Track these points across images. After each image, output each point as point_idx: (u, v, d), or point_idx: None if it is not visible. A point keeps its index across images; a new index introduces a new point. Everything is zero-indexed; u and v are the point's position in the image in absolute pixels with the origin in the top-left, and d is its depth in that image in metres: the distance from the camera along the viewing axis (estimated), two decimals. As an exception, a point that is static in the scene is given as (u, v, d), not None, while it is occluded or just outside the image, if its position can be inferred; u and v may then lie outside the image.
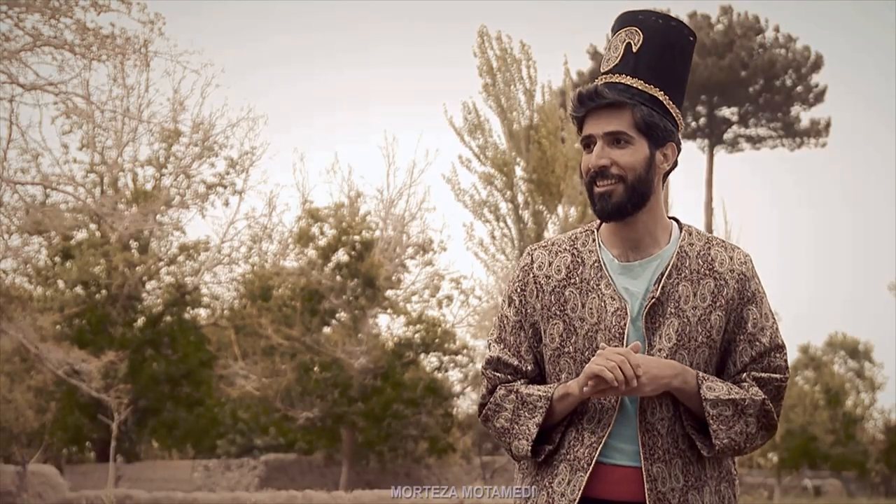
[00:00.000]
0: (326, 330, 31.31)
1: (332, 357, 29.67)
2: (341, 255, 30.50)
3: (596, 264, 2.98)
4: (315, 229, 31.04)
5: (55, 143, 54.82)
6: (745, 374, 2.97)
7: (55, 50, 18.02)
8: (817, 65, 49.84)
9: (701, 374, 2.90)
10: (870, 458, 43.45)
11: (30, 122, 56.24)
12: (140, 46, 18.73)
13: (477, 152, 30.00)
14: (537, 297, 3.00)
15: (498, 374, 3.03)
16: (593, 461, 2.90)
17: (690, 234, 3.02)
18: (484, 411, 3.04)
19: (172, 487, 28.42)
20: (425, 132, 41.27)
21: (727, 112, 50.76)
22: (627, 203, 2.92)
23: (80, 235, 32.37)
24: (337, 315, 31.46)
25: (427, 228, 31.87)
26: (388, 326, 33.02)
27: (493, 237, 29.85)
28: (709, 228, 47.84)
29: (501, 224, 29.72)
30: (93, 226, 31.83)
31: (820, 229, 76.41)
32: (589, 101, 2.93)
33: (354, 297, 30.45)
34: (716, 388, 2.89)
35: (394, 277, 31.01)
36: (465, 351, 32.22)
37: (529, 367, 3.02)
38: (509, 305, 3.05)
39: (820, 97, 50.15)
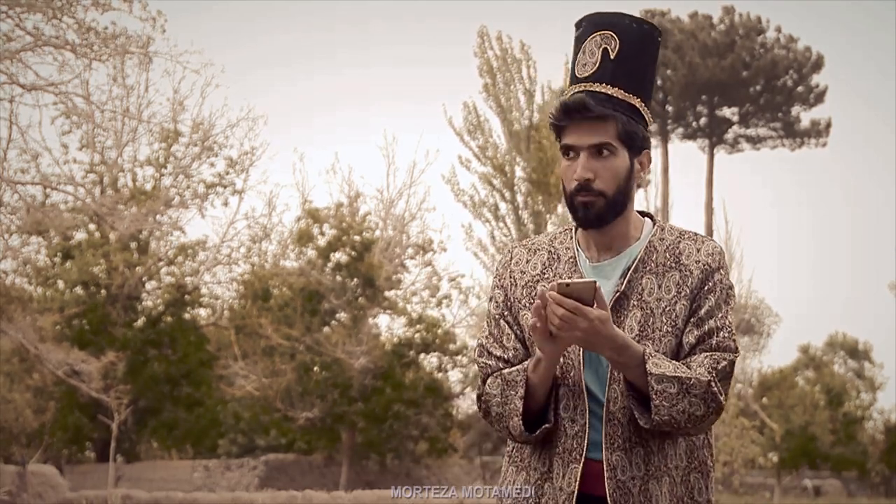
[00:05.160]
0: (326, 330, 31.28)
1: (332, 357, 29.66)
2: (341, 256, 30.50)
3: (571, 260, 3.04)
4: (315, 229, 31.04)
5: (55, 143, 54.71)
6: (693, 356, 2.95)
7: (55, 50, 18.00)
8: (818, 65, 49.83)
9: (649, 350, 2.89)
10: (870, 459, 43.44)
11: (30, 122, 56.07)
12: (142, 45, 18.72)
13: (477, 152, 30.01)
14: (512, 290, 3.07)
15: (488, 363, 3.05)
16: (584, 451, 2.93)
17: (663, 230, 3.04)
18: (482, 405, 3.06)
19: (172, 487, 28.42)
20: (425, 132, 41.19)
21: (728, 112, 50.73)
22: (608, 214, 2.96)
23: (80, 235, 32.33)
24: (337, 315, 31.45)
25: (427, 228, 31.86)
26: (388, 326, 33.05)
27: (493, 237, 29.87)
28: (709, 228, 47.82)
29: (501, 224, 29.73)
30: (92, 226, 31.80)
31: (820, 229, 76.37)
32: (576, 114, 2.94)
33: (354, 297, 30.45)
34: (661, 365, 2.87)
35: (394, 277, 31.01)
36: (465, 351, 32.22)
37: (511, 355, 3.04)
38: (490, 300, 3.13)
39: (820, 97, 50.14)
